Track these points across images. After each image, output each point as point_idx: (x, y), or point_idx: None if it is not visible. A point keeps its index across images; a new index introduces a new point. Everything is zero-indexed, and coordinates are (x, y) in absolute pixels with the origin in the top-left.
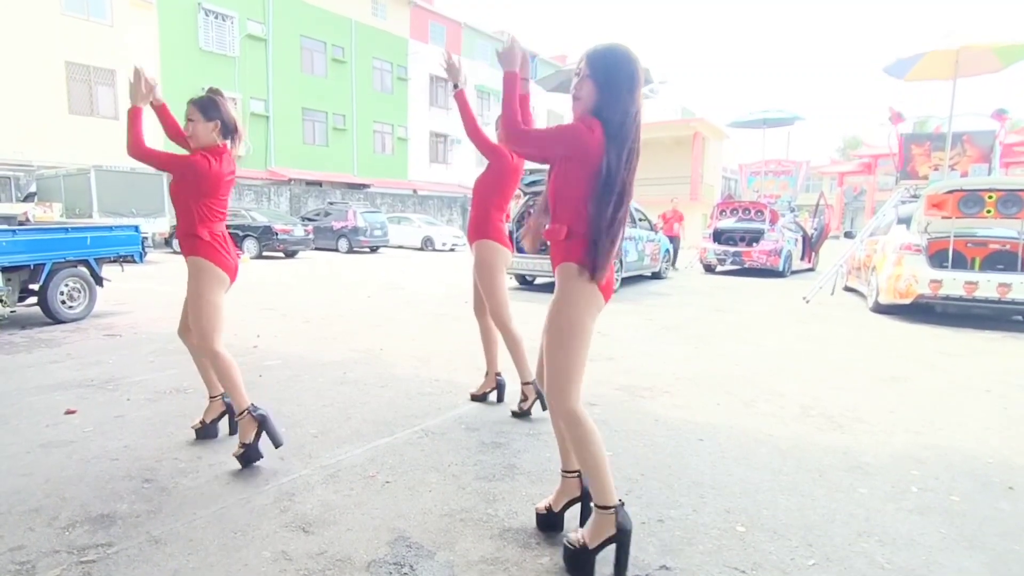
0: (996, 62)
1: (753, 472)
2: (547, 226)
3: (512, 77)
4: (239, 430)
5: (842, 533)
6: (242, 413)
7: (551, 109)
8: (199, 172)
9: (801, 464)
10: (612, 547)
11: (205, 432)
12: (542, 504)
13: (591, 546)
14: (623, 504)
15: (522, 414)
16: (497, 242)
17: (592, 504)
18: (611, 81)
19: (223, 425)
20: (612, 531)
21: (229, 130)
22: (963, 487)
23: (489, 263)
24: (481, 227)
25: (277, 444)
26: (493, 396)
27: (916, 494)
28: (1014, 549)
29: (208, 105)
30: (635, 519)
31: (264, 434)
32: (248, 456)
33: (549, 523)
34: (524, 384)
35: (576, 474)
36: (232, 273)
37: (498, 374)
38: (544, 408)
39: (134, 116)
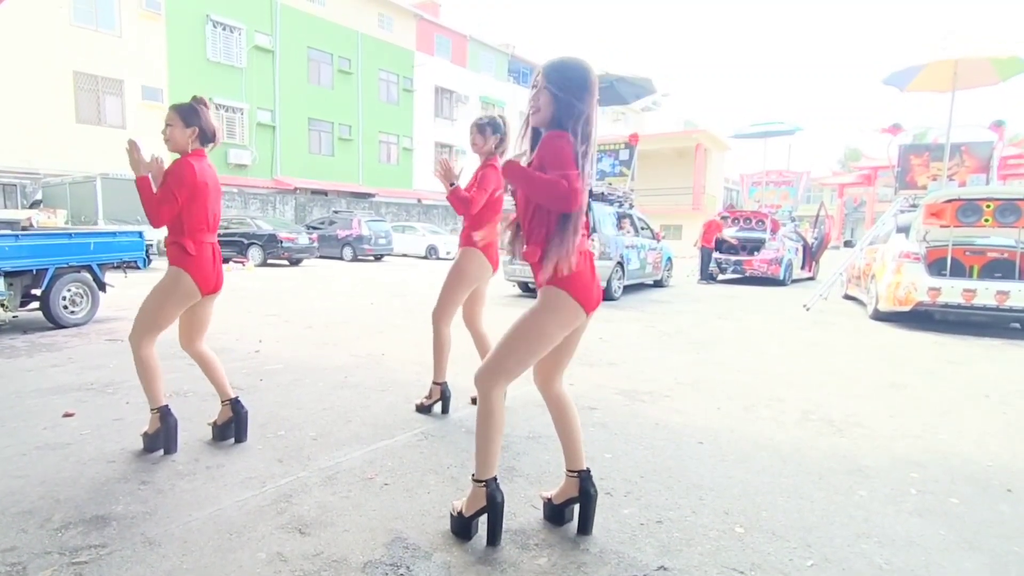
0: (994, 75)
1: (753, 475)
2: (524, 249)
3: (515, 171)
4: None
5: (841, 535)
6: (154, 410)
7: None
8: (183, 179)
9: (801, 467)
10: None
11: (219, 434)
12: (547, 493)
13: (466, 514)
14: (496, 479)
15: (421, 409)
16: (483, 253)
17: (471, 476)
18: (566, 90)
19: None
20: (483, 502)
21: (207, 138)
22: (962, 490)
23: (462, 268)
24: (470, 236)
25: (167, 451)
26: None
27: (916, 496)
28: (1013, 551)
29: (189, 112)
30: (634, 520)
31: (165, 435)
32: (145, 444)
33: (552, 514)
34: (434, 383)
35: (577, 474)
36: (210, 287)
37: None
38: (445, 412)
39: (142, 186)
